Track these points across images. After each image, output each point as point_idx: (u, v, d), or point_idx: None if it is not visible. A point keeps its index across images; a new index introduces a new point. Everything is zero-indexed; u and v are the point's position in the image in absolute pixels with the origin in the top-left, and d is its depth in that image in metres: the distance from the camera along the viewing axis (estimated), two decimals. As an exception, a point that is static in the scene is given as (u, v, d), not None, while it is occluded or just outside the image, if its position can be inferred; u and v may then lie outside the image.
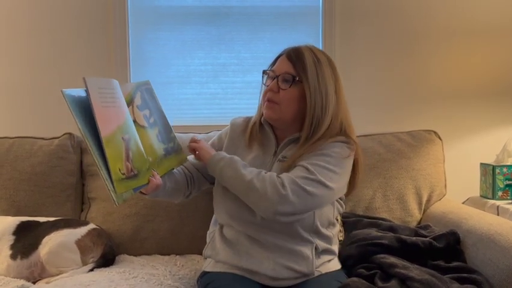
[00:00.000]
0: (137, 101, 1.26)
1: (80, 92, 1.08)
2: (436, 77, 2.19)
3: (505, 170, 1.96)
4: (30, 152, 1.83)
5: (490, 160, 2.07)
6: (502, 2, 2.17)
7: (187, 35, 2.19)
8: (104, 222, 1.77)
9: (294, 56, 1.32)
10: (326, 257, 1.36)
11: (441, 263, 1.43)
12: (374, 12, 2.17)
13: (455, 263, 1.42)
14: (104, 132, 1.06)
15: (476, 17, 2.17)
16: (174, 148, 1.38)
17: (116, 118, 1.12)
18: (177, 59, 2.20)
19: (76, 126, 1.04)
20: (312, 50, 1.34)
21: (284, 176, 1.23)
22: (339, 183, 1.30)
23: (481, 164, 2.08)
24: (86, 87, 1.05)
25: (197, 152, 1.36)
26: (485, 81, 2.19)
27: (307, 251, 1.30)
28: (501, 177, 1.96)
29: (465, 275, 1.34)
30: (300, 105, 1.32)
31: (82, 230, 1.61)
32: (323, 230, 1.34)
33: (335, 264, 1.39)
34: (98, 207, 1.81)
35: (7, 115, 2.11)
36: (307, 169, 1.23)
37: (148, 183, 1.20)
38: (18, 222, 1.63)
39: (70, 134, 1.90)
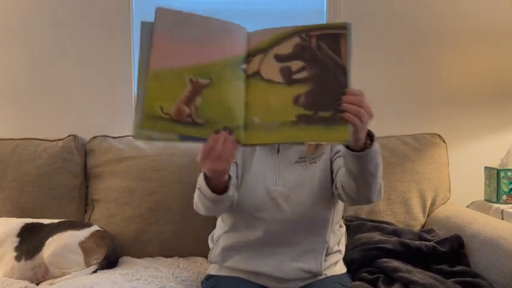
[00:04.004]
0: (281, 49, 1.03)
1: None
2: (441, 80, 2.18)
3: (509, 173, 1.95)
4: (34, 154, 1.84)
5: (495, 164, 2.06)
6: (509, 5, 2.16)
7: (191, 37, 2.19)
8: (108, 224, 1.77)
9: None
10: (333, 258, 1.36)
11: (445, 267, 1.43)
12: (378, 15, 2.16)
13: (458, 267, 1.42)
14: (154, 64, 0.97)
15: (481, 21, 2.16)
16: (331, 119, 1.03)
17: (187, 57, 1.00)
18: (181, 61, 2.20)
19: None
20: None
21: None
22: None
23: (486, 167, 2.07)
24: (155, 17, 1.02)
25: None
26: (490, 85, 2.17)
27: (319, 248, 1.30)
28: (505, 181, 1.95)
29: (469, 279, 1.33)
30: None
31: (86, 232, 1.61)
32: (335, 227, 1.37)
33: (340, 268, 1.39)
34: (101, 209, 1.81)
35: (12, 116, 2.11)
36: None
37: (205, 140, 0.99)
38: (22, 224, 1.64)
39: (74, 135, 1.91)
